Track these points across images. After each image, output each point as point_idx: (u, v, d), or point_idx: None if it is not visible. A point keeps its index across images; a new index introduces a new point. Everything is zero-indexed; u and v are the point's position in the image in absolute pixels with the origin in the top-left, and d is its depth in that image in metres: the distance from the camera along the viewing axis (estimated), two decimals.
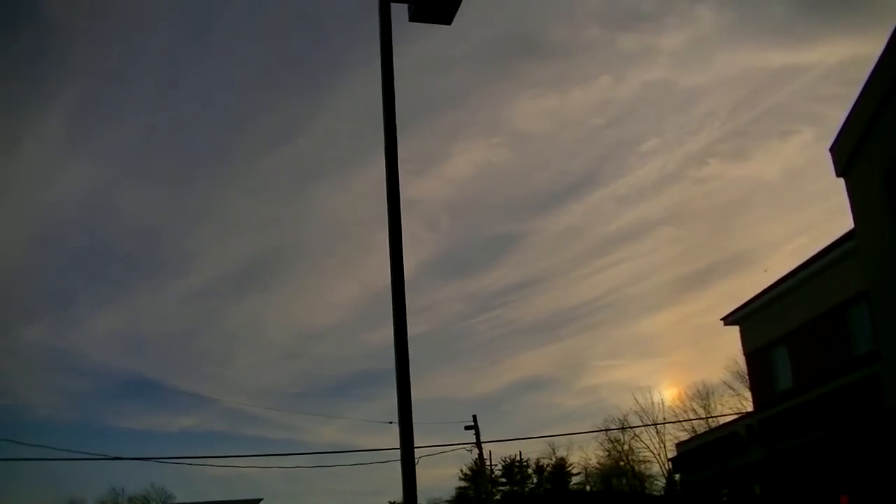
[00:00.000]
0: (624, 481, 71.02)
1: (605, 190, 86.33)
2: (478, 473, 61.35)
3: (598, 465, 73.84)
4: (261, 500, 56.59)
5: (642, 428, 65.79)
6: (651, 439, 67.21)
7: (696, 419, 58.66)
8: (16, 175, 42.49)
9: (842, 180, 18.41)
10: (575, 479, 75.84)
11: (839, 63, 64.91)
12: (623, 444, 69.78)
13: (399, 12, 9.88)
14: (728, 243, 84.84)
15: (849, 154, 17.79)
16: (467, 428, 45.05)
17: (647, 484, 68.70)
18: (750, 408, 34.92)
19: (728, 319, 30.41)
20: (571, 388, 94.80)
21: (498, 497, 71.11)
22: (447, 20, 9.94)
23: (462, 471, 73.58)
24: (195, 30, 43.42)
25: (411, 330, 8.71)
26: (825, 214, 69.33)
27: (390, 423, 33.85)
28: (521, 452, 75.95)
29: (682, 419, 59.82)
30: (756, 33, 72.44)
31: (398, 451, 7.57)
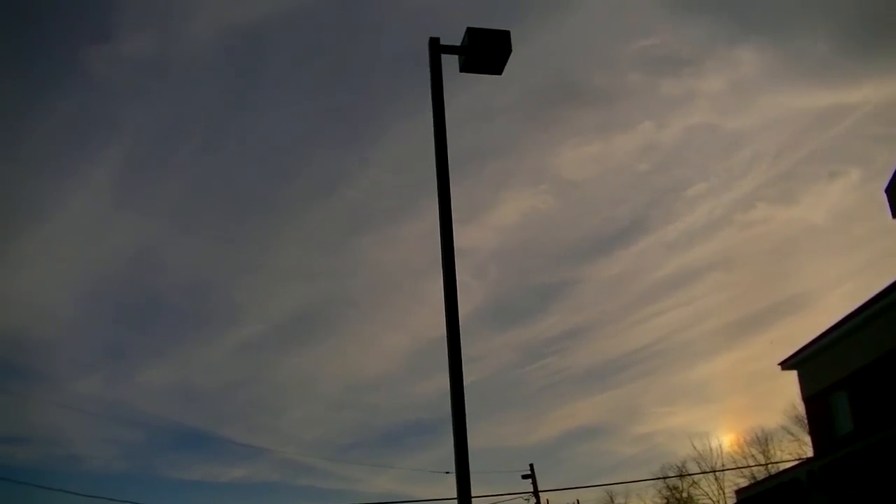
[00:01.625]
0: None
1: (653, 236, 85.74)
2: None
3: None
4: None
5: (701, 475, 64.57)
6: (710, 486, 65.90)
7: (756, 465, 57.46)
8: (66, 230, 43.34)
9: None
10: None
11: (885, 102, 64.07)
12: (682, 491, 68.49)
13: (447, 63, 10.02)
14: (779, 287, 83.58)
15: None
16: (524, 477, 44.58)
17: None
18: (810, 453, 34.17)
19: (785, 364, 29.90)
20: (626, 435, 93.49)
21: None
22: (498, 70, 10.08)
23: None
24: (240, 84, 44.26)
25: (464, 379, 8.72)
26: (877, 256, 67.98)
27: (447, 472, 33.65)
28: (578, 501, 74.87)
29: (741, 465, 58.65)
30: (799, 74, 71.89)
31: (454, 502, 7.56)
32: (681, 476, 65.42)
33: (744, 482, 49.38)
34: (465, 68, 10.06)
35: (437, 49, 9.91)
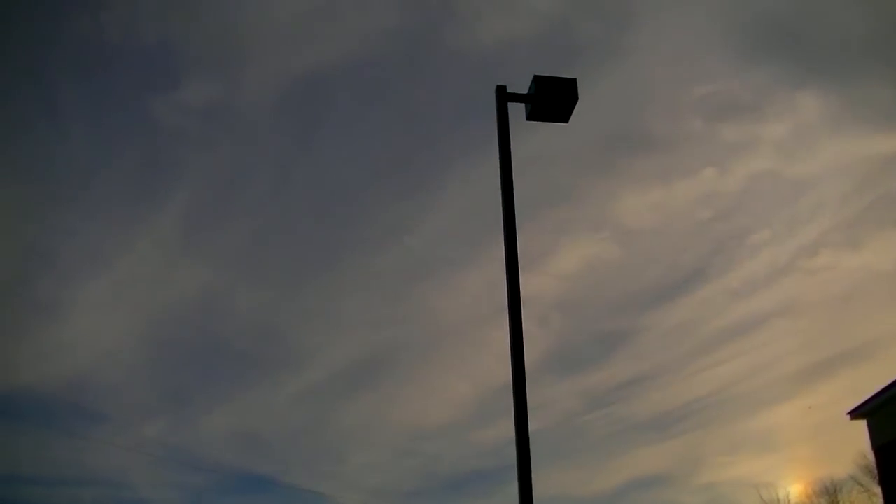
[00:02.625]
0: None
1: (716, 284, 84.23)
2: None
3: None
4: None
5: None
6: None
7: None
8: (132, 276, 44.12)
9: None
10: None
11: None
12: None
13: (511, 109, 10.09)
14: (845, 335, 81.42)
15: None
16: None
17: None
18: None
19: (854, 413, 29.20)
20: (690, 484, 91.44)
21: None
22: (564, 118, 10.11)
23: None
24: (303, 131, 44.87)
25: None
26: None
27: None
28: None
29: None
30: (863, 119, 70.61)
31: None
32: None
33: None
34: (531, 116, 10.10)
35: (504, 97, 9.99)
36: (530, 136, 10.41)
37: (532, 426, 9.08)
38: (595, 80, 10.17)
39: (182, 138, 44.32)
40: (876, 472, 33.28)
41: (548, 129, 10.37)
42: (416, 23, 39.62)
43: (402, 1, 38.22)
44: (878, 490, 36.62)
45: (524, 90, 10.23)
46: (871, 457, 38.59)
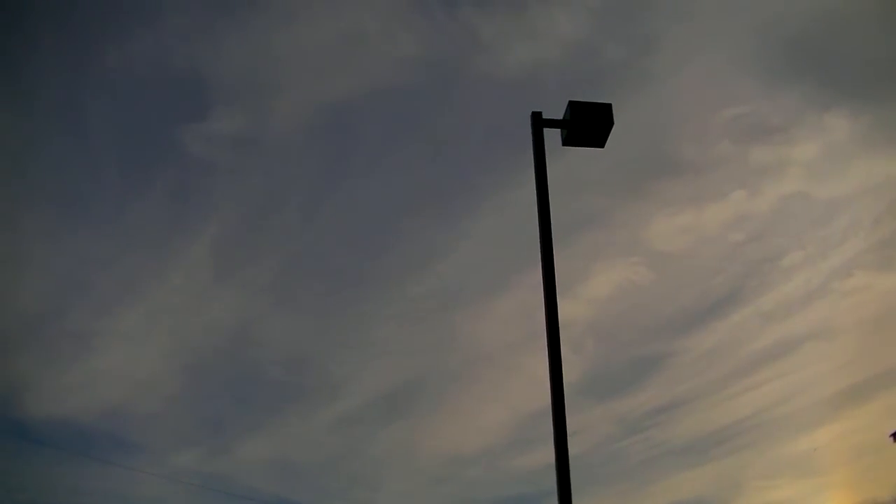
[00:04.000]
0: None
1: (750, 307, 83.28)
2: None
3: None
4: None
5: None
6: None
7: None
8: (166, 306, 44.49)
9: None
10: None
11: None
12: None
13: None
14: (882, 357, 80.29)
15: None
16: None
17: None
18: None
19: None
20: None
21: None
22: (600, 143, 10.13)
23: None
24: (333, 160, 45.20)
25: None
26: None
27: None
28: None
29: None
30: (894, 139, 70.01)
31: None
32: None
33: None
34: (567, 142, 10.12)
35: (539, 123, 10.02)
36: (559, 162, 10.43)
37: (570, 451, 9.05)
38: (622, 104, 10.21)
39: (213, 169, 44.79)
40: None
41: (577, 155, 10.40)
42: (443, 51, 39.91)
43: (429, 29, 38.54)
44: None
45: (551, 115, 10.27)
46: None
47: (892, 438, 29.07)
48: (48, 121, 38.24)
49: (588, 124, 9.91)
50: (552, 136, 10.23)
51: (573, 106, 9.97)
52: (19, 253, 38.57)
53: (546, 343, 9.22)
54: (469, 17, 39.35)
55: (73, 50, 36.84)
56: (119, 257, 43.48)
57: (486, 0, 39.33)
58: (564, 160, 10.70)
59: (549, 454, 9.12)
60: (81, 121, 39.00)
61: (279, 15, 38.50)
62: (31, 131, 37.49)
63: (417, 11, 39.02)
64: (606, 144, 10.35)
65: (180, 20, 37.41)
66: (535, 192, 9.82)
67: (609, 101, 10.21)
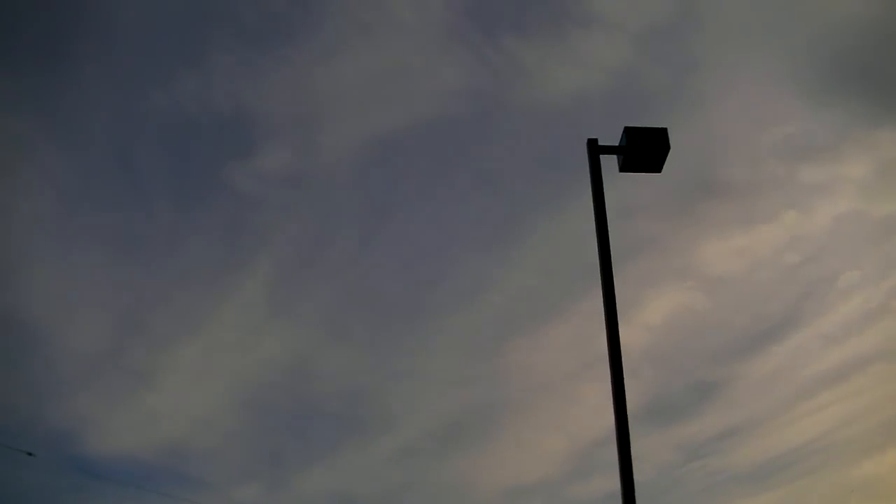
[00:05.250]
0: None
1: (808, 329, 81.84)
2: None
3: None
4: None
5: None
6: None
7: None
8: (222, 342, 44.98)
9: None
10: None
11: None
12: None
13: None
14: None
15: None
16: None
17: None
18: None
19: None
20: None
21: None
22: (657, 168, 10.12)
23: None
24: (382, 193, 45.47)
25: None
26: None
27: None
28: None
29: None
30: None
31: None
32: None
33: None
34: (624, 168, 10.13)
35: (595, 149, 10.04)
36: (609, 188, 10.42)
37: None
38: (669, 127, 10.23)
39: (263, 205, 45.25)
40: None
41: (626, 180, 10.38)
42: (487, 81, 40.06)
43: (471, 60, 38.74)
44: None
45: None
46: None
47: None
48: (100, 162, 39.07)
49: (644, 149, 9.90)
50: (604, 162, 10.25)
51: (629, 132, 9.97)
52: (77, 293, 39.28)
53: (609, 369, 9.20)
54: (511, 45, 39.53)
55: (120, 92, 37.67)
56: (174, 295, 44.07)
57: (528, 28, 39.52)
58: (615, 186, 10.71)
59: (608, 482, 9.08)
60: (132, 162, 39.78)
61: (321, 50, 39.00)
62: (83, 173, 38.32)
63: (459, 42, 39.29)
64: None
65: (224, 59, 38.09)
66: (588, 218, 9.84)
67: (659, 126, 10.22)
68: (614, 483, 9.04)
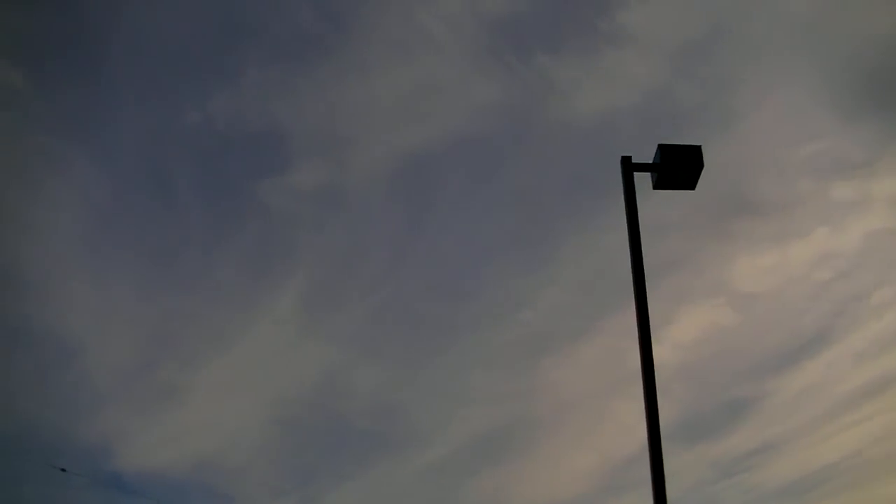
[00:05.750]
0: None
1: (841, 346, 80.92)
2: None
3: None
4: None
5: None
6: None
7: None
8: (253, 359, 45.22)
9: None
10: None
11: None
12: None
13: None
14: None
15: None
16: None
17: None
18: None
19: None
20: None
21: None
22: (691, 186, 10.15)
23: None
24: (414, 209, 45.61)
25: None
26: None
27: None
28: None
29: None
30: None
31: None
32: None
33: None
34: (658, 185, 10.16)
35: (629, 167, 10.09)
36: (642, 206, 10.43)
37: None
38: (701, 144, 10.29)
39: (295, 221, 45.54)
40: None
41: (658, 198, 10.41)
42: (519, 98, 40.15)
43: (504, 77, 38.86)
44: None
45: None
46: None
47: None
48: (134, 179, 39.53)
49: (678, 167, 9.94)
50: (637, 180, 10.28)
51: (663, 149, 10.01)
52: (110, 309, 39.71)
53: (642, 386, 9.22)
54: (543, 63, 39.65)
55: (154, 109, 38.15)
56: (207, 311, 44.42)
57: (559, 46, 39.59)
58: (646, 203, 10.74)
59: (640, 500, 9.07)
60: (166, 179, 40.20)
61: (354, 67, 39.29)
62: (117, 190, 38.80)
63: (491, 59, 39.45)
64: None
65: (257, 76, 38.49)
66: (619, 236, 9.89)
67: (691, 143, 10.25)
68: (647, 500, 9.05)
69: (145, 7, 34.92)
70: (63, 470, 26.61)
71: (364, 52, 40.55)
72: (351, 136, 44.17)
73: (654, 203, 10.73)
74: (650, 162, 10.19)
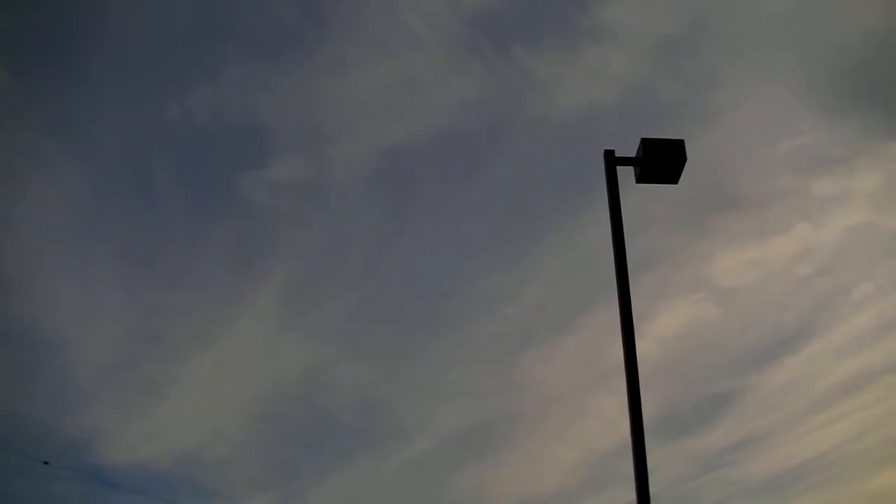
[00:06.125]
0: None
1: (821, 341, 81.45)
2: None
3: None
4: None
5: None
6: None
7: None
8: (235, 354, 45.14)
9: None
10: None
11: None
12: None
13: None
14: None
15: None
16: None
17: None
18: None
19: None
20: None
21: None
22: (674, 180, 10.16)
23: None
24: (395, 205, 45.60)
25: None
26: None
27: None
28: None
29: None
30: None
31: None
32: None
33: None
34: (641, 179, 10.17)
35: (612, 161, 10.08)
36: (623, 202, 10.40)
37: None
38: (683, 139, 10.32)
39: (276, 217, 45.41)
40: None
41: (638, 193, 10.42)
42: (499, 93, 40.16)
43: (483, 72, 38.85)
44: None
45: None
46: None
47: None
48: (115, 174, 39.32)
49: (661, 161, 9.95)
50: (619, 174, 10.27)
51: (646, 143, 10.01)
52: (92, 305, 39.50)
53: (624, 380, 9.21)
54: (522, 58, 39.65)
55: (135, 104, 37.98)
56: (190, 307, 44.28)
57: (539, 41, 39.61)
58: (627, 199, 10.73)
59: (623, 494, 9.05)
60: (146, 174, 40.04)
61: (333, 62, 39.17)
62: (98, 184, 38.59)
63: (470, 54, 39.43)
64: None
65: (236, 71, 38.33)
66: (600, 231, 9.91)
67: (671, 137, 10.26)
68: (629, 494, 9.05)
69: (127, 5, 34.74)
70: (46, 463, 26.59)
71: (344, 48, 40.41)
72: (331, 131, 44.03)
73: (636, 198, 10.73)
74: (633, 156, 10.20)
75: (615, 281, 9.54)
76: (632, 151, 10.32)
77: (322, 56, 39.95)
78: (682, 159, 10.01)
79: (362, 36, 37.60)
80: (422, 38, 37.76)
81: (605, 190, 10.08)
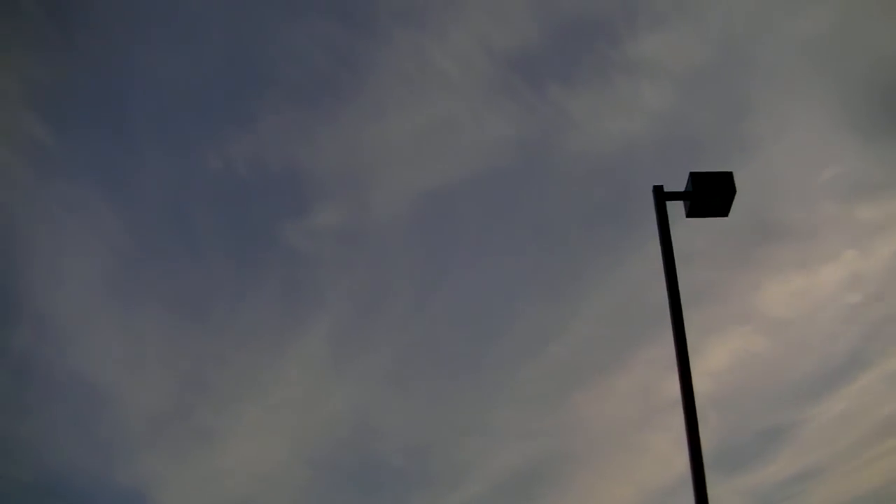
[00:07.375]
0: None
1: (876, 369, 79.80)
2: None
3: None
4: None
5: None
6: None
7: None
8: (285, 401, 45.30)
9: None
10: None
11: None
12: None
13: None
14: None
15: None
16: None
17: None
18: None
19: None
20: None
21: None
22: (724, 213, 10.15)
23: None
24: (437, 247, 45.63)
25: None
26: None
27: None
28: None
29: None
30: None
31: None
32: None
33: None
34: (691, 213, 10.16)
35: (661, 196, 10.10)
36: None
37: None
38: (731, 171, 10.31)
39: (320, 262, 45.65)
40: None
41: (683, 227, 10.40)
42: (536, 131, 40.31)
43: (519, 111, 39.03)
44: None
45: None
46: None
47: None
48: (157, 225, 39.83)
49: (711, 194, 9.95)
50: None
51: (694, 177, 10.02)
52: (140, 353, 39.96)
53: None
54: (557, 96, 39.77)
55: (175, 157, 38.56)
56: (236, 355, 44.57)
57: (572, 78, 39.74)
58: (673, 233, 10.70)
59: None
60: (190, 225, 40.49)
61: (368, 107, 39.52)
62: (140, 235, 39.14)
63: (505, 94, 39.63)
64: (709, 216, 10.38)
65: (275, 120, 38.85)
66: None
67: (714, 170, 10.24)
68: None
69: (164, 57, 35.47)
70: None
71: (378, 94, 40.88)
72: (370, 176, 44.38)
73: (677, 231, 10.73)
74: (682, 191, 10.21)
75: (664, 315, 9.55)
76: (671, 183, 10.36)
77: (357, 102, 40.40)
78: (731, 191, 9.99)
79: (396, 81, 38.05)
80: (454, 80, 38.09)
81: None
